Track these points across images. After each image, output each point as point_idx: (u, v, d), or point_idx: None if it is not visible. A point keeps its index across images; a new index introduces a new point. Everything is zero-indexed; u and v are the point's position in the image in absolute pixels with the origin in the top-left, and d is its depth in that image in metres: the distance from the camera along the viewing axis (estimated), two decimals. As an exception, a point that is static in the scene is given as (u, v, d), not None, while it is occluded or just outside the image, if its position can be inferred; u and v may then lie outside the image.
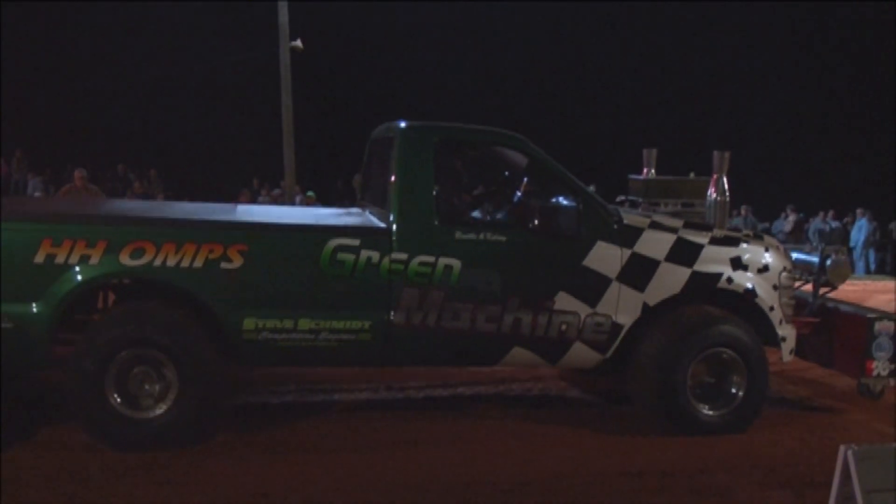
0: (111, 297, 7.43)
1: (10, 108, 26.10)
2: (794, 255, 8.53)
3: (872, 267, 24.57)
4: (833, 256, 8.28)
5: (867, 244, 24.52)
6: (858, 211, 25.10)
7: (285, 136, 23.19)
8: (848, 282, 17.32)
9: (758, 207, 25.34)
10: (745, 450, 7.29)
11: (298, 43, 22.98)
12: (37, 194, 22.75)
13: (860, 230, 24.61)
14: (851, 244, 24.88)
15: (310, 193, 21.30)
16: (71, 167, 25.56)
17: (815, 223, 25.52)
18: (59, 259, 6.52)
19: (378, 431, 7.46)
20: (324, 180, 25.30)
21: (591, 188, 23.28)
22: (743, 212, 24.21)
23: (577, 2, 33.84)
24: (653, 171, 9.17)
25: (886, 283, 19.99)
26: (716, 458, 7.03)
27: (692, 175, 9.15)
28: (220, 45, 28.46)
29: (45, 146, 27.26)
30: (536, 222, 7.21)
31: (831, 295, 8.54)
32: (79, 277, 6.56)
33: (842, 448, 4.40)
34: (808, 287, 8.62)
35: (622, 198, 9.39)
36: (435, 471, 6.56)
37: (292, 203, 21.99)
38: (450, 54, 33.95)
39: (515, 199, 7.64)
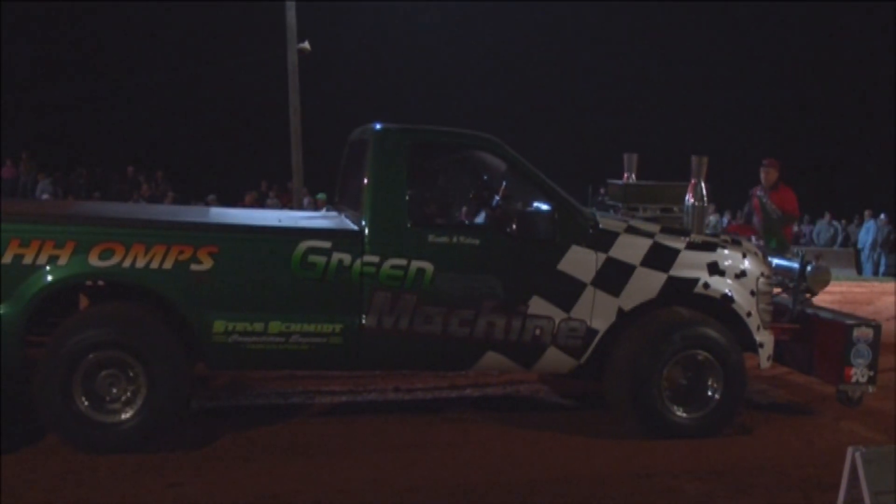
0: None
1: (20, 109, 26.28)
2: (775, 262, 8.46)
3: (882, 269, 24.43)
4: (813, 263, 8.21)
5: (875, 245, 24.36)
6: (867, 212, 24.96)
7: (293, 137, 23.26)
8: (856, 283, 17.10)
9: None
10: (754, 452, 7.28)
11: (306, 44, 23.04)
12: (45, 196, 22.89)
13: (868, 232, 24.47)
14: (860, 246, 24.77)
15: (320, 196, 21.14)
16: (80, 169, 25.84)
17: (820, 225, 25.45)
18: (27, 260, 6.51)
19: (385, 433, 7.45)
20: (331, 182, 25.37)
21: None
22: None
23: (577, 3, 33.82)
24: (633, 175, 9.10)
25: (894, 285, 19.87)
26: (724, 460, 7.00)
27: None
28: (228, 46, 28.58)
29: (55, 148, 27.42)
30: (511, 226, 7.17)
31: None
32: (47, 278, 6.55)
33: (849, 450, 4.39)
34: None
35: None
36: (442, 473, 6.55)
37: (300, 205, 22.00)
38: (457, 56, 33.95)
39: (490, 202, 7.61)
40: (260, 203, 24.20)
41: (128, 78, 29.47)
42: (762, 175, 10.38)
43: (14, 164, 24.77)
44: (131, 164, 25.36)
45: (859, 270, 24.43)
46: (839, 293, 18.03)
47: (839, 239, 25.97)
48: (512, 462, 6.84)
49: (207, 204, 20.61)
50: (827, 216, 25.74)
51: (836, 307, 12.86)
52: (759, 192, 10.42)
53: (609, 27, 35.95)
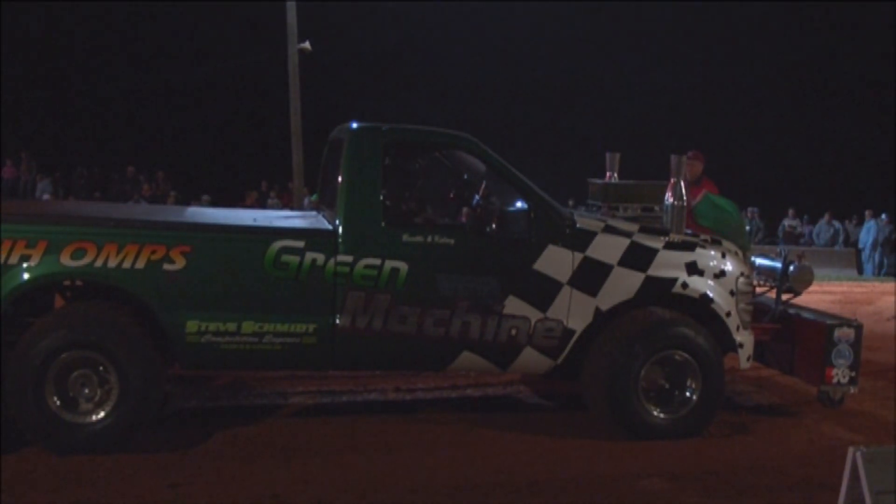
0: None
1: (20, 109, 26.31)
2: (758, 261, 8.41)
3: (883, 269, 24.36)
4: (796, 262, 8.14)
5: (876, 245, 24.29)
6: (867, 212, 24.88)
7: (293, 137, 23.26)
8: (856, 283, 16.92)
9: (765, 209, 25.21)
10: (754, 451, 7.26)
11: (306, 44, 23.03)
12: (45, 196, 22.95)
13: (869, 231, 24.40)
14: (860, 245, 24.71)
15: (314, 197, 21.09)
16: (80, 169, 25.89)
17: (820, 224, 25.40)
18: None
19: (387, 433, 7.44)
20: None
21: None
22: (749, 214, 24.07)
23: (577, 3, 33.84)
24: (615, 174, 9.04)
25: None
26: (725, 459, 6.98)
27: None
28: (228, 46, 28.61)
29: (55, 148, 27.47)
30: (486, 225, 7.13)
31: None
32: (21, 277, 6.53)
33: (850, 449, 4.37)
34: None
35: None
36: (443, 472, 6.54)
37: (301, 205, 21.96)
38: (457, 55, 33.94)
39: (468, 201, 7.56)
40: (261, 203, 24.22)
41: (128, 78, 29.54)
42: (686, 169, 10.15)
43: (14, 164, 24.82)
44: (131, 164, 25.38)
45: (860, 270, 24.37)
46: (840, 293, 17.97)
47: (840, 239, 25.89)
48: (512, 462, 6.82)
49: (201, 204, 20.60)
50: (827, 216, 25.65)
51: (836, 308, 12.84)
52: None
53: (608, 27, 35.94)
